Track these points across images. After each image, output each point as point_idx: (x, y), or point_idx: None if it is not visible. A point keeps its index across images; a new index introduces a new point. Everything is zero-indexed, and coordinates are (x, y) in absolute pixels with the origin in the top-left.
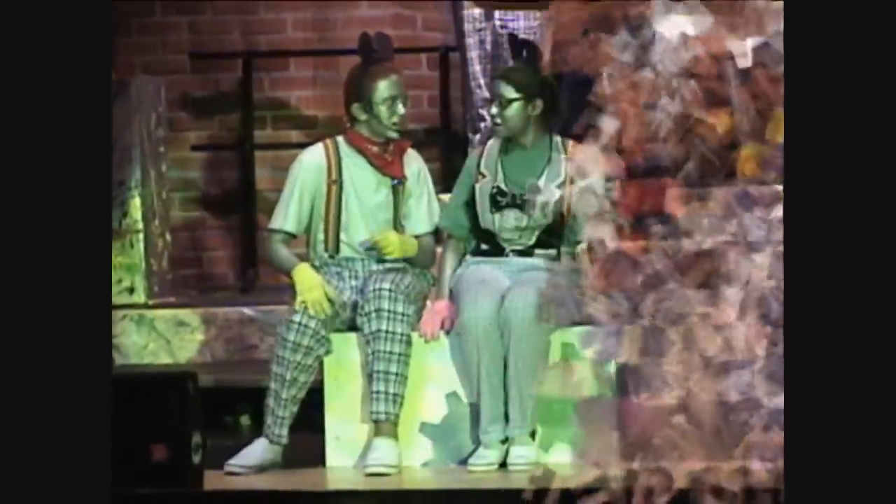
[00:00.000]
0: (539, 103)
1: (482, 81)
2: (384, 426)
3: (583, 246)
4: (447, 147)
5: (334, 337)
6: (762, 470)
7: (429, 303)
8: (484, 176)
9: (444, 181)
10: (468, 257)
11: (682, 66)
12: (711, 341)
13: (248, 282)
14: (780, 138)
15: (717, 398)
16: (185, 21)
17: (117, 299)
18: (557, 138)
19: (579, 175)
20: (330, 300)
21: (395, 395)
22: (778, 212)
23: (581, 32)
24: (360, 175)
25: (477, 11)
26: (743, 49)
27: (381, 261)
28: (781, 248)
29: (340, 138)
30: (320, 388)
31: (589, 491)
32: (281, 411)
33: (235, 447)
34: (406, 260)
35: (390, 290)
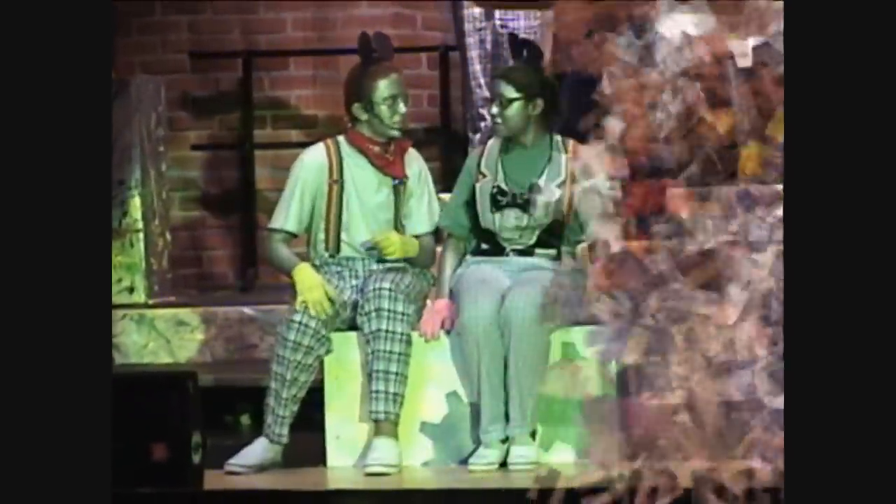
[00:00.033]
0: (539, 103)
1: (482, 81)
2: (384, 426)
3: (583, 245)
4: (447, 146)
5: (334, 336)
6: (764, 470)
7: (429, 302)
8: (484, 175)
9: (445, 181)
10: (468, 257)
11: (685, 65)
12: (714, 341)
13: (248, 281)
14: (781, 138)
15: (719, 398)
16: (185, 20)
17: (117, 299)
18: (558, 138)
19: (584, 175)
20: (330, 300)
21: (395, 394)
22: (779, 211)
23: (585, 32)
24: (361, 175)
25: (477, 11)
26: (745, 48)
27: (381, 260)
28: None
29: (341, 138)
30: (320, 388)
31: (593, 491)
32: (281, 410)
33: (235, 446)
34: (406, 260)
35: (390, 290)
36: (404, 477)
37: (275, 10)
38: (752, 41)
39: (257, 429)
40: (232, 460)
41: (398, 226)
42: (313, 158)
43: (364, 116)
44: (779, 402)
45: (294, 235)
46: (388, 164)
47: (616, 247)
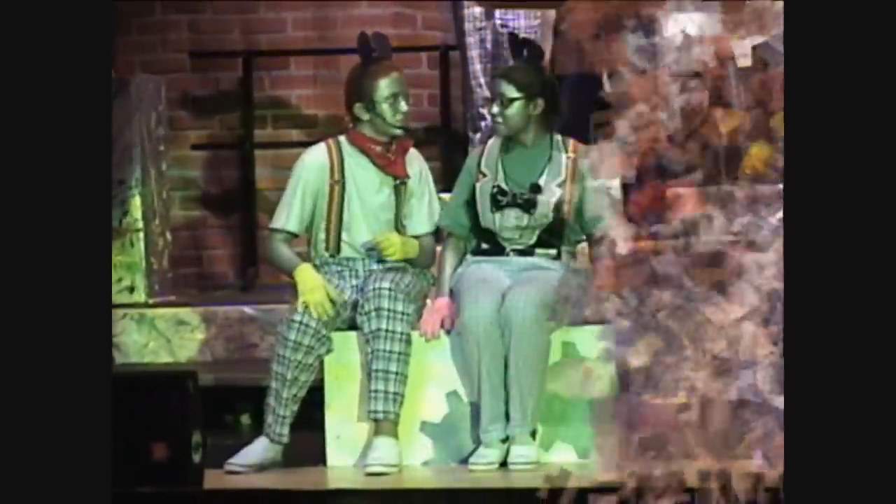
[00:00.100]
0: (540, 102)
1: (482, 80)
2: (384, 425)
3: (583, 245)
4: (447, 146)
5: (335, 336)
6: (768, 470)
7: (429, 302)
8: (484, 175)
9: (445, 180)
10: (469, 256)
11: (693, 65)
12: (719, 341)
13: (248, 280)
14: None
15: (724, 397)
16: (185, 20)
17: (117, 298)
18: (558, 137)
19: (592, 174)
20: (332, 301)
21: (394, 393)
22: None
23: (595, 32)
24: (362, 175)
25: (477, 10)
26: (747, 48)
27: (381, 261)
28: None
29: (343, 138)
30: (321, 387)
31: (602, 490)
32: (282, 410)
33: (236, 446)
34: (407, 260)
35: (390, 289)
36: (404, 476)
37: (275, 10)
38: (753, 41)
39: (257, 428)
40: (232, 460)
41: (398, 226)
42: (314, 158)
43: (366, 116)
44: (782, 401)
45: (295, 235)
46: (389, 163)
47: (623, 247)
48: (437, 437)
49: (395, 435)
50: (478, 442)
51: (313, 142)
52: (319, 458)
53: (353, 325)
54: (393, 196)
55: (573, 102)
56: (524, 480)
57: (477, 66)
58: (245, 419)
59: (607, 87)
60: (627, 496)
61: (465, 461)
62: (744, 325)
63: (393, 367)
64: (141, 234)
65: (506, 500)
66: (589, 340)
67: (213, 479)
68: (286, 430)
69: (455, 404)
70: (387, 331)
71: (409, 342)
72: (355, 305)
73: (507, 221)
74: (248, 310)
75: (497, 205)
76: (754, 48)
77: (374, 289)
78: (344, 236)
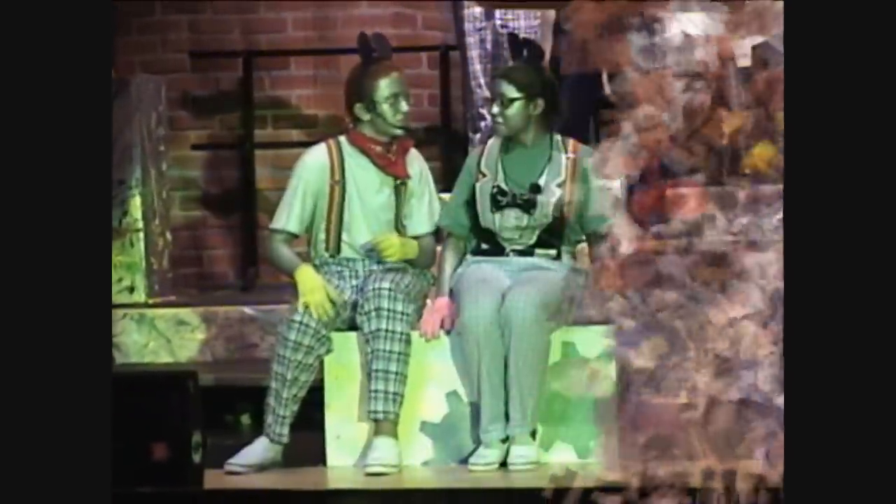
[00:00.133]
0: (540, 102)
1: (482, 80)
2: (384, 425)
3: (583, 245)
4: (447, 146)
5: (335, 336)
6: (769, 470)
7: (429, 302)
8: (484, 175)
9: (445, 180)
10: (469, 257)
11: (695, 65)
12: (722, 341)
13: (248, 281)
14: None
15: (726, 397)
16: (186, 20)
17: (118, 298)
18: (558, 137)
19: (596, 174)
20: (332, 301)
21: (394, 393)
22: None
23: (599, 32)
24: (362, 175)
25: (477, 10)
26: (752, 48)
27: (380, 261)
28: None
29: (343, 138)
30: (321, 387)
31: (606, 490)
32: (282, 410)
33: (236, 446)
34: (407, 260)
35: (390, 289)
36: (404, 476)
37: (275, 10)
38: (754, 41)
39: (258, 428)
40: (232, 460)
41: (399, 226)
42: (315, 159)
43: (366, 116)
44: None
45: (295, 236)
46: (390, 163)
47: (627, 247)
48: (437, 437)
49: (394, 435)
50: (478, 442)
51: (313, 142)
52: (319, 458)
53: (352, 326)
54: (393, 196)
55: (573, 102)
56: (524, 480)
57: (477, 67)
58: (245, 419)
59: (607, 87)
60: (631, 496)
61: (465, 461)
62: (745, 324)
63: (393, 367)
64: (141, 234)
65: (506, 500)
66: (589, 340)
67: (213, 479)
68: (286, 431)
69: (455, 404)
70: (387, 331)
71: (408, 342)
72: (355, 306)
73: (507, 221)
74: (248, 310)
75: (497, 205)
76: (755, 48)
77: (373, 289)
78: (344, 237)
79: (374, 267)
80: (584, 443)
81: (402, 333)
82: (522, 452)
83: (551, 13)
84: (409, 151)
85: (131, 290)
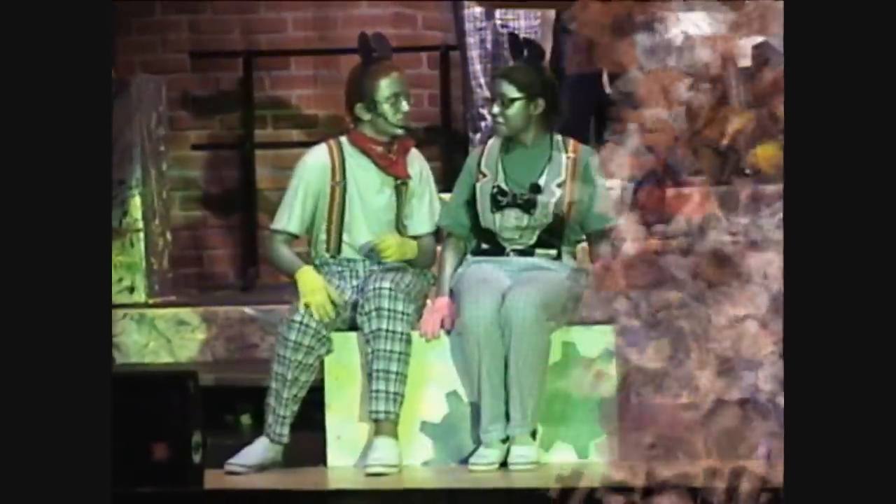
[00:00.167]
0: (541, 102)
1: (483, 81)
2: (384, 425)
3: (583, 245)
4: (448, 146)
5: (335, 336)
6: (769, 470)
7: (429, 301)
8: (484, 175)
9: (445, 180)
10: (469, 257)
11: (698, 66)
12: (723, 340)
13: (248, 281)
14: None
15: (728, 397)
16: (186, 20)
17: (118, 298)
18: (558, 137)
19: (605, 174)
20: (333, 303)
21: (395, 393)
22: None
23: (605, 32)
24: (363, 176)
25: (478, 10)
26: (754, 48)
27: (380, 262)
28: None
29: (344, 139)
30: (321, 388)
31: (611, 490)
32: (282, 410)
33: (236, 446)
34: (407, 260)
35: (390, 289)
36: (405, 477)
37: (275, 10)
38: (755, 41)
39: (258, 428)
40: (232, 460)
41: (399, 226)
42: (316, 160)
43: (367, 116)
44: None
45: (296, 237)
46: (391, 164)
47: (631, 247)
48: (438, 437)
49: (395, 435)
50: (478, 442)
51: (314, 142)
52: (320, 458)
53: (353, 326)
54: (394, 196)
55: (573, 102)
56: (524, 481)
57: (477, 67)
58: (245, 419)
59: (607, 87)
60: (636, 496)
61: (465, 461)
62: (747, 324)
63: (393, 367)
64: (141, 235)
65: (506, 500)
66: (589, 340)
67: (213, 480)
68: (286, 431)
69: (455, 404)
70: (387, 330)
71: (409, 342)
72: (355, 306)
73: (507, 221)
74: (248, 310)
75: (497, 205)
76: (756, 48)
77: (374, 289)
78: (345, 237)
79: (375, 267)
80: (584, 443)
81: (402, 333)
82: (523, 452)
83: (551, 13)
84: (409, 151)
85: (131, 290)
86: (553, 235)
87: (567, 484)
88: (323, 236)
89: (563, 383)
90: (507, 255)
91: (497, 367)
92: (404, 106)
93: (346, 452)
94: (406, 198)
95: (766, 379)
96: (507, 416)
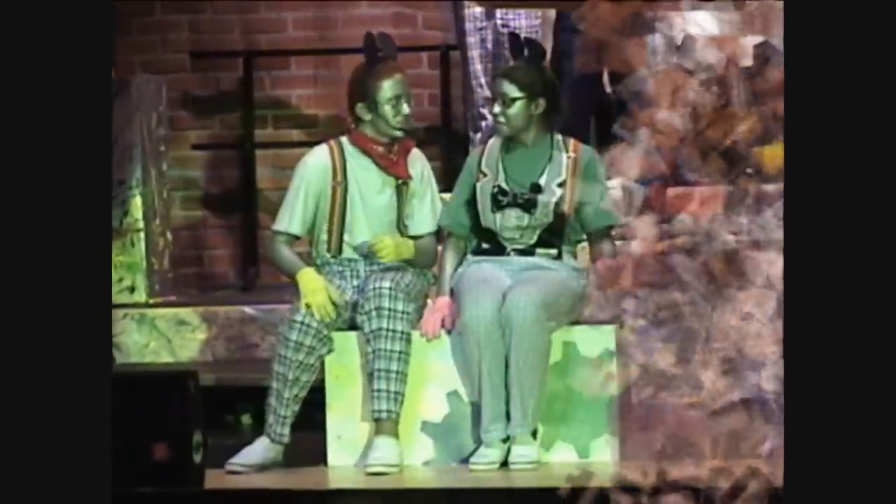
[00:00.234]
0: (542, 102)
1: (483, 80)
2: (385, 424)
3: (583, 245)
4: (448, 146)
5: (335, 336)
6: (770, 469)
7: (429, 301)
8: (485, 175)
9: (446, 180)
10: (469, 256)
11: (704, 66)
12: (728, 340)
13: (248, 280)
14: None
15: (733, 397)
16: (186, 20)
17: (118, 298)
18: (558, 137)
19: (614, 174)
20: (334, 303)
21: (395, 393)
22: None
23: (614, 33)
24: (364, 176)
25: (478, 10)
26: (760, 48)
27: (379, 262)
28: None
29: (345, 139)
30: (322, 387)
31: (620, 489)
32: (282, 410)
33: (237, 446)
34: (407, 260)
35: (390, 289)
36: (405, 476)
37: (275, 10)
38: (759, 40)
39: (258, 428)
40: (233, 460)
41: (400, 226)
42: (317, 160)
43: (368, 116)
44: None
45: (297, 237)
46: (392, 164)
47: (640, 246)
48: (438, 436)
49: (395, 435)
50: (478, 442)
51: (314, 142)
52: (320, 458)
53: (353, 326)
54: (395, 197)
55: (574, 102)
56: (525, 480)
57: (477, 66)
58: (246, 419)
59: (608, 87)
60: (645, 495)
61: (465, 461)
62: (751, 324)
63: (394, 367)
64: (141, 235)
65: (506, 500)
66: (590, 340)
67: (213, 479)
68: (287, 430)
69: (455, 404)
70: (387, 330)
71: (409, 341)
72: (356, 306)
73: (508, 221)
74: (248, 310)
75: (497, 204)
76: (757, 48)
77: (374, 288)
78: (346, 237)
79: (375, 267)
80: (584, 443)
81: (402, 332)
82: (523, 452)
83: (552, 13)
84: (410, 152)
85: (132, 290)
86: (553, 235)
87: (577, 484)
88: (324, 236)
89: (565, 383)
90: (508, 254)
91: (498, 367)
92: (405, 108)
93: (347, 452)
94: (407, 198)
95: (770, 378)
96: (508, 416)
